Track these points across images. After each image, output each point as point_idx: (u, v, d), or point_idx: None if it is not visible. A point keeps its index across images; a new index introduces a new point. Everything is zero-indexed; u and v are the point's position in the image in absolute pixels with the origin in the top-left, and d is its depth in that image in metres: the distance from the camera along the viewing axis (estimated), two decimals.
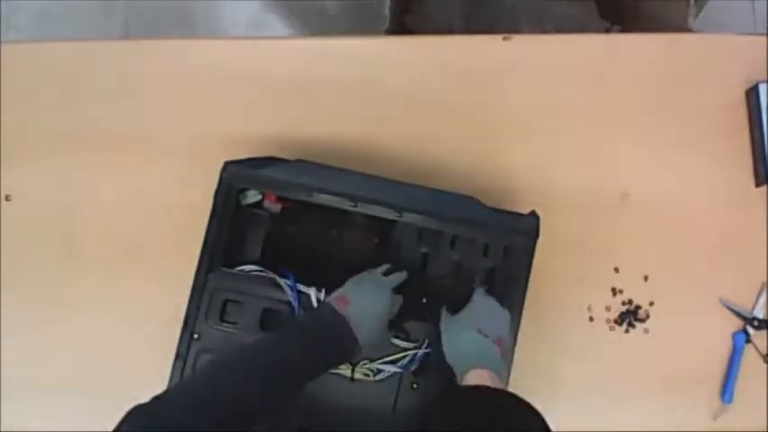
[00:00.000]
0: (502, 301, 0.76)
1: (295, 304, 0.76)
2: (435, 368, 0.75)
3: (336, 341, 0.69)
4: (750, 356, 0.91)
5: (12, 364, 0.95)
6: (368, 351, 0.72)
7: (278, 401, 0.64)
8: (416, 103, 0.99)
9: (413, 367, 0.76)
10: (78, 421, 0.93)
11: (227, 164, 0.79)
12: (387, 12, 1.23)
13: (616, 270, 0.94)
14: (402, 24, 1.31)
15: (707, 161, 0.96)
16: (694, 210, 0.95)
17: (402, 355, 0.76)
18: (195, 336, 0.77)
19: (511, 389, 0.74)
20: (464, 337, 0.70)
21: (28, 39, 1.70)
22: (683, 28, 1.06)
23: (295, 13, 1.77)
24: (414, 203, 0.77)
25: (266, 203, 0.84)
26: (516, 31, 1.28)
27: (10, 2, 1.79)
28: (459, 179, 0.92)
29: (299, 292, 0.77)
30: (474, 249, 0.82)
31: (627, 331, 0.92)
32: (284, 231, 0.86)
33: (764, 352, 0.91)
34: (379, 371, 0.76)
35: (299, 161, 0.84)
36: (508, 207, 0.81)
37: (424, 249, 0.83)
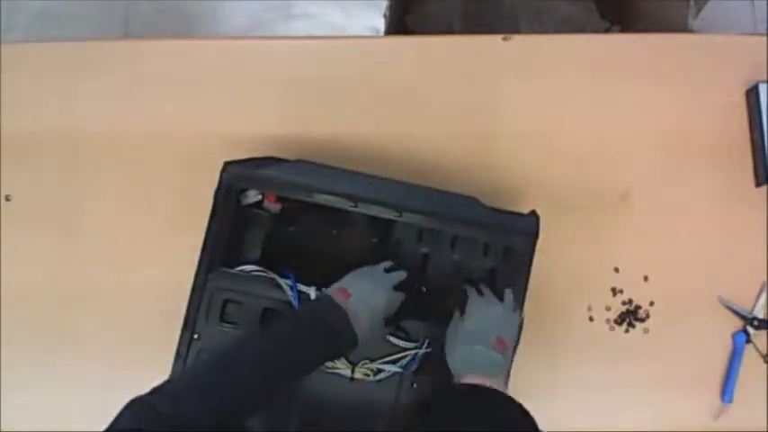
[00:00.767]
0: (501, 297, 0.76)
1: (295, 304, 0.76)
2: (435, 368, 0.75)
3: (335, 334, 0.68)
4: (750, 356, 0.91)
5: (12, 364, 0.95)
6: (363, 346, 0.71)
7: (276, 391, 0.64)
8: (416, 103, 0.99)
9: (413, 367, 0.76)
10: (78, 421, 0.93)
11: (227, 164, 0.79)
12: (386, 12, 1.23)
13: (616, 270, 0.94)
14: (402, 24, 1.32)
15: (707, 161, 0.96)
16: (694, 210, 0.95)
17: (402, 355, 0.76)
18: (195, 336, 0.77)
19: (511, 388, 0.74)
20: (465, 351, 0.69)
21: (28, 39, 1.70)
22: (683, 28, 1.06)
23: None
24: (414, 203, 0.77)
25: (266, 203, 0.84)
26: (516, 31, 1.28)
27: (10, 2, 1.79)
28: (460, 179, 0.91)
29: (299, 292, 0.77)
30: (474, 249, 0.82)
31: (627, 331, 0.92)
32: (284, 231, 0.86)
33: (764, 352, 0.91)
34: (379, 371, 0.76)
35: (299, 161, 0.84)
36: (508, 207, 0.81)
37: (424, 249, 0.83)
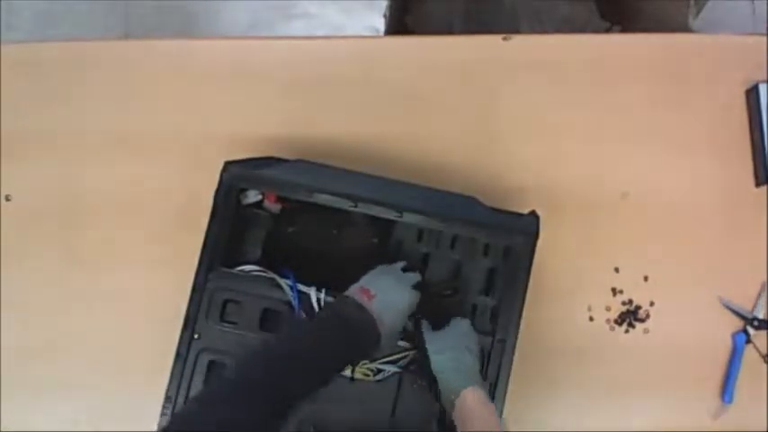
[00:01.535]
0: (501, 301, 0.76)
1: (295, 304, 0.76)
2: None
3: (360, 335, 0.67)
4: (750, 356, 0.91)
5: (12, 364, 0.95)
6: (384, 347, 0.70)
7: (307, 396, 0.63)
8: (416, 103, 0.99)
9: (413, 367, 0.76)
10: (78, 421, 0.93)
11: (227, 164, 0.79)
12: (386, 12, 1.23)
13: (616, 270, 0.94)
14: (402, 24, 1.32)
15: (707, 161, 0.96)
16: (694, 210, 0.95)
17: (402, 355, 0.76)
18: (195, 336, 0.77)
19: (511, 389, 0.74)
20: (451, 354, 0.70)
21: (28, 39, 1.70)
22: (683, 28, 1.06)
23: None
24: (414, 203, 0.77)
25: (266, 203, 0.84)
26: (516, 31, 1.28)
27: (10, 2, 1.79)
28: (460, 179, 0.92)
29: (299, 292, 0.76)
30: (474, 249, 0.82)
31: (627, 331, 0.92)
32: (284, 231, 0.86)
33: (764, 352, 0.91)
34: (379, 371, 0.76)
35: (299, 161, 0.84)
36: (508, 207, 0.81)
37: (424, 249, 0.83)
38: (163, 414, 0.75)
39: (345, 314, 0.68)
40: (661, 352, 0.92)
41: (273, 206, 0.84)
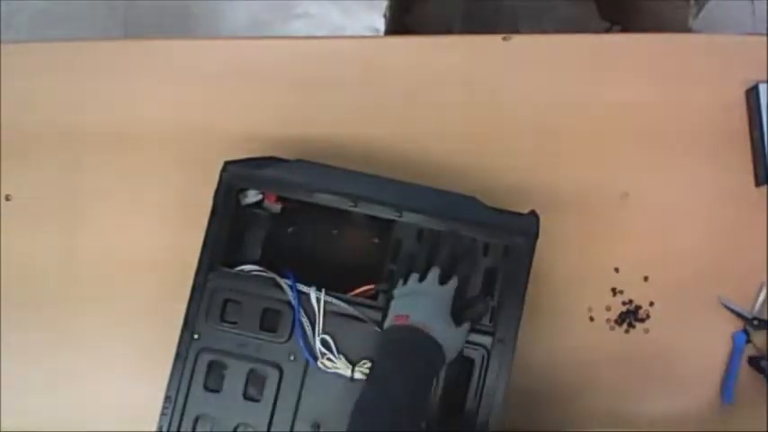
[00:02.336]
0: (501, 301, 0.76)
1: (295, 304, 0.76)
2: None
3: (428, 353, 0.69)
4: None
5: (12, 364, 0.95)
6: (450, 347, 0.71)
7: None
8: (416, 103, 0.99)
9: None
10: (78, 421, 0.93)
11: (227, 164, 0.79)
12: (386, 12, 1.23)
13: (616, 270, 0.94)
14: (402, 24, 1.32)
15: (707, 161, 0.96)
16: (694, 210, 0.95)
17: None
18: (195, 336, 0.77)
19: (511, 388, 0.74)
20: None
21: (28, 39, 1.70)
22: (683, 28, 1.06)
23: None
24: (414, 203, 0.77)
25: (266, 203, 0.84)
26: (516, 31, 1.28)
27: (10, 2, 1.79)
28: (460, 179, 0.91)
29: (299, 292, 0.77)
30: (474, 249, 0.82)
31: (627, 331, 0.92)
32: (284, 231, 0.86)
33: (764, 351, 0.91)
34: None
35: (299, 161, 0.84)
36: (508, 207, 0.81)
37: (424, 249, 0.83)
38: (163, 414, 0.76)
39: (408, 341, 0.69)
40: (661, 352, 0.92)
41: (273, 206, 0.84)
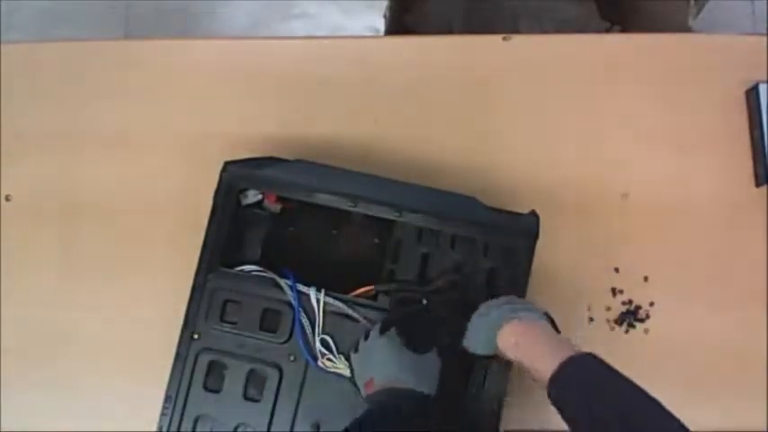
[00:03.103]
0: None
1: (295, 304, 0.76)
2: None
3: (408, 404, 0.67)
4: (750, 353, 0.91)
5: (12, 364, 0.95)
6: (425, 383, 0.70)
7: None
8: (416, 103, 0.99)
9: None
10: (78, 421, 0.93)
11: (227, 164, 0.79)
12: (386, 12, 1.23)
13: (616, 270, 0.94)
14: (402, 24, 1.32)
15: (707, 161, 0.96)
16: (694, 210, 0.95)
17: None
18: (195, 336, 0.77)
19: (511, 388, 0.74)
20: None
21: (28, 39, 1.70)
22: (683, 28, 1.06)
23: None
24: (414, 203, 0.77)
25: (266, 203, 0.84)
26: (516, 31, 1.28)
27: (10, 1, 1.79)
28: (460, 179, 0.92)
29: (299, 292, 0.77)
30: (474, 249, 0.82)
31: (627, 331, 0.92)
32: (284, 231, 0.86)
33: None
34: None
35: (299, 161, 0.84)
36: (508, 207, 0.81)
37: (424, 249, 0.83)
38: (163, 414, 0.76)
39: (390, 409, 0.67)
40: (661, 352, 0.92)
41: (273, 206, 0.84)
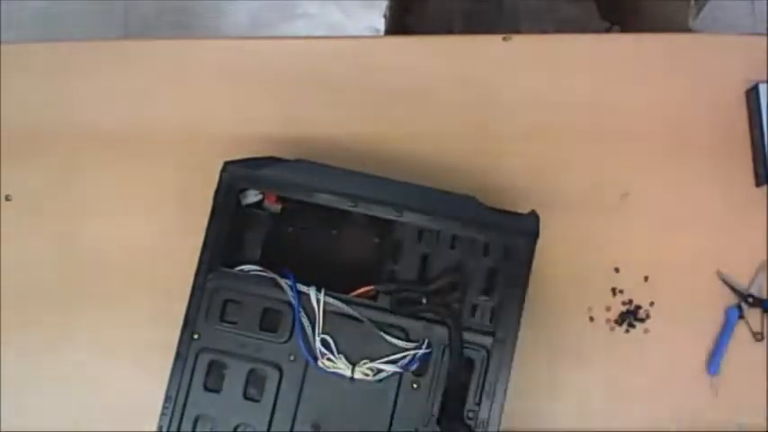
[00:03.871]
0: (501, 301, 0.76)
1: (295, 304, 0.76)
2: (435, 368, 0.75)
3: None
4: (751, 355, 0.91)
5: (12, 364, 0.95)
6: None
7: None
8: (416, 103, 0.99)
9: (413, 367, 0.76)
10: (78, 421, 0.93)
11: (227, 164, 0.79)
12: (386, 12, 1.23)
13: (616, 270, 0.94)
14: (402, 24, 1.32)
15: (707, 161, 0.96)
16: (694, 210, 0.95)
17: (402, 355, 0.76)
18: (195, 336, 0.77)
19: (510, 389, 0.74)
20: None
21: (28, 39, 1.70)
22: (683, 28, 1.06)
23: None
24: (414, 203, 0.77)
25: (266, 203, 0.84)
26: (516, 31, 1.28)
27: (10, 1, 1.79)
28: (459, 179, 0.92)
29: (299, 292, 0.76)
30: (474, 249, 0.82)
31: (627, 331, 0.92)
32: (284, 231, 0.86)
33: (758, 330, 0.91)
34: (379, 371, 0.76)
35: (299, 161, 0.84)
36: (508, 207, 0.81)
37: (424, 249, 0.83)
38: (163, 414, 0.75)
39: None
40: (661, 352, 0.92)
41: (273, 206, 0.84)
